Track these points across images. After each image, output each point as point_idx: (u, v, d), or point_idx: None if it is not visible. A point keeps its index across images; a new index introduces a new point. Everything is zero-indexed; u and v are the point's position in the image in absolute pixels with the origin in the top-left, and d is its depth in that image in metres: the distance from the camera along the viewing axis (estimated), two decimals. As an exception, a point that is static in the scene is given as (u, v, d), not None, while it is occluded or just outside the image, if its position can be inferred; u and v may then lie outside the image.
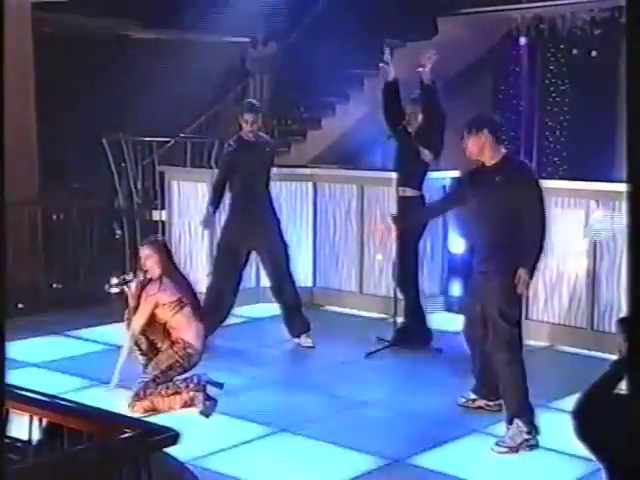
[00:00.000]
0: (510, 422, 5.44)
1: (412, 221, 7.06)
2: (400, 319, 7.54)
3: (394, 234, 6.83)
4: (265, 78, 12.22)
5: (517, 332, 5.49)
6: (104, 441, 3.11)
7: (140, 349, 6.09)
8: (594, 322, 7.42)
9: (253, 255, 7.72)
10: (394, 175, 7.43)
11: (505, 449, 5.39)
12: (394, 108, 7.37)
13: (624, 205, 6.61)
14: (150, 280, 6.04)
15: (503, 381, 5.52)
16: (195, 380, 5.98)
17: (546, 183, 6.27)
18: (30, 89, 9.66)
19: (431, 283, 8.61)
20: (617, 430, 2.90)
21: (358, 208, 8.85)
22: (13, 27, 8.51)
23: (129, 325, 6.05)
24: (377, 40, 11.91)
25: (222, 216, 7.76)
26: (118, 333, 6.71)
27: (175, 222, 9.20)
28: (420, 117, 7.26)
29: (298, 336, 7.67)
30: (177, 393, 5.96)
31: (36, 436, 3.33)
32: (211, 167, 9.54)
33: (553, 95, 12.44)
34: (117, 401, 5.75)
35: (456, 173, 8.02)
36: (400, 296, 7.59)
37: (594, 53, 11.87)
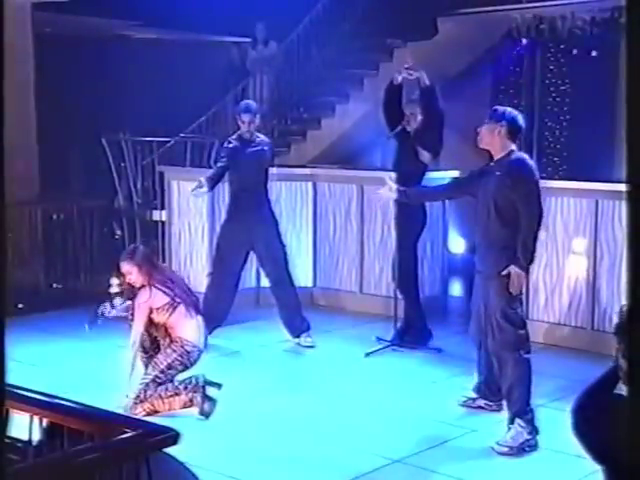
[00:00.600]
0: (512, 422, 5.44)
1: (415, 197, 6.73)
2: (400, 319, 7.56)
3: (394, 191, 6.42)
4: (265, 78, 12.22)
5: (524, 333, 5.48)
6: (104, 441, 3.11)
7: (143, 347, 6.10)
8: (594, 322, 7.43)
9: (253, 255, 7.72)
10: (393, 175, 7.42)
11: (506, 449, 5.38)
12: (394, 108, 7.40)
13: (624, 205, 6.60)
14: (140, 288, 6.04)
15: (508, 381, 5.50)
16: (194, 381, 5.98)
17: (546, 183, 6.27)
18: (30, 89, 9.66)
19: (431, 283, 8.62)
20: (616, 430, 2.89)
21: (358, 208, 8.85)
22: (13, 27, 8.53)
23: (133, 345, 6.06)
24: (377, 40, 11.94)
25: (222, 216, 7.75)
26: (118, 333, 6.70)
27: (175, 222, 9.20)
28: (419, 118, 7.30)
29: (298, 336, 7.68)
30: (176, 394, 5.97)
31: (36, 436, 3.33)
32: (211, 167, 9.52)
33: (553, 95, 12.42)
34: (117, 402, 5.75)
35: (455, 173, 8.04)
36: (400, 296, 7.59)
37: (594, 53, 11.85)
